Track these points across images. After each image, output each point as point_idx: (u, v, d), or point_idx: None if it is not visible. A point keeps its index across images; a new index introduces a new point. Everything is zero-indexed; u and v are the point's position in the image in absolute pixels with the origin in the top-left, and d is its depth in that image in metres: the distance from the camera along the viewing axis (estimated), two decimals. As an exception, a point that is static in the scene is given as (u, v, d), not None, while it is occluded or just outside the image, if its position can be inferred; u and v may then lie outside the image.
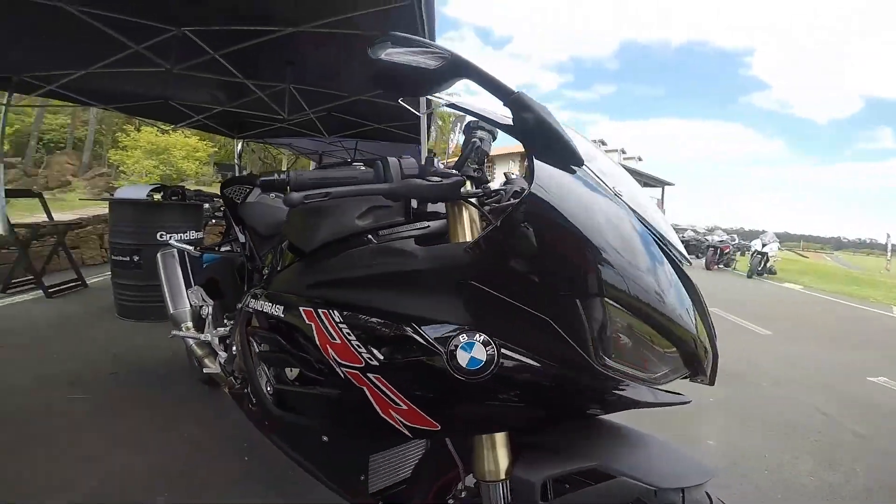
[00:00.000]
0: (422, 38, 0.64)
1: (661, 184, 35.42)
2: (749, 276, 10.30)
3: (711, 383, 0.71)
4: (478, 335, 0.63)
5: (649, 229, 0.70)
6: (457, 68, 0.63)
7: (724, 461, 1.90)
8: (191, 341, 1.75)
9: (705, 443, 2.07)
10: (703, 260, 11.58)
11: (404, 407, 0.69)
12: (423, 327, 0.66)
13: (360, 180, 0.77)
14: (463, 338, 0.63)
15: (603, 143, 32.37)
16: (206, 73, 3.51)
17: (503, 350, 0.63)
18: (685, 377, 0.70)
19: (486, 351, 0.63)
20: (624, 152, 34.10)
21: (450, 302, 0.66)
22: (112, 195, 4.60)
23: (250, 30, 2.77)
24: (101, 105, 4.82)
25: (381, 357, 0.69)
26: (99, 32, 2.72)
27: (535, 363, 0.63)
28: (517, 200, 0.65)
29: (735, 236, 13.19)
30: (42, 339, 2.73)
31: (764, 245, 10.51)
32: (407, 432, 0.70)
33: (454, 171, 0.73)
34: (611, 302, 0.61)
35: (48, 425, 1.77)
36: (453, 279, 0.66)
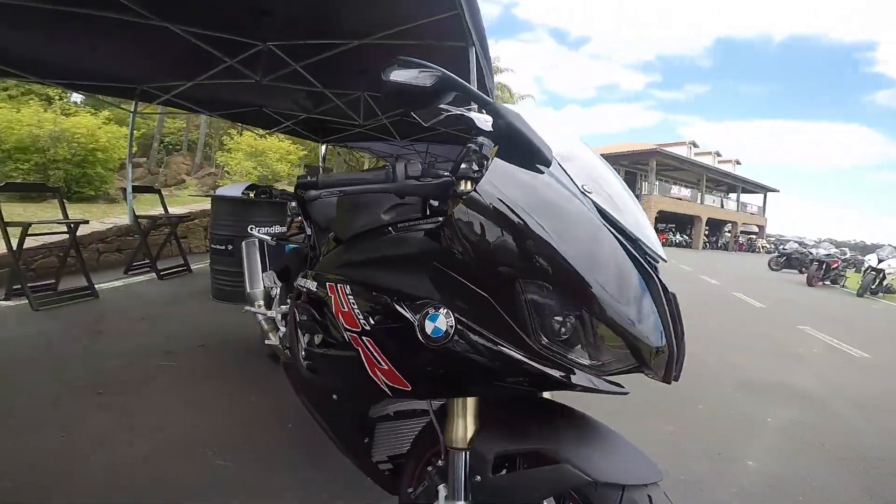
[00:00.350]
0: (421, 61, 0.74)
1: (762, 189, 31.74)
2: (859, 295, 8.95)
3: (668, 381, 0.71)
4: (442, 308, 0.72)
5: (615, 226, 0.73)
6: (446, 84, 0.73)
7: None
8: (259, 317, 2.00)
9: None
10: (806, 275, 10.25)
11: (385, 367, 0.79)
12: (403, 300, 0.77)
13: (371, 181, 0.90)
14: (430, 310, 0.72)
15: (695, 144, 29.83)
16: (290, 83, 3.90)
17: (458, 324, 0.70)
18: (634, 370, 0.71)
19: (447, 322, 0.71)
20: (719, 154, 31.13)
21: (424, 280, 0.76)
22: (214, 193, 5.27)
23: (324, 43, 3.04)
24: (207, 112, 5.55)
25: (373, 323, 0.81)
26: (200, 49, 3.16)
27: (481, 337, 0.70)
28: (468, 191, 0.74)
29: (846, 250, 11.50)
30: (150, 315, 3.22)
31: (881, 261, 9.08)
32: (387, 390, 0.80)
33: (446, 174, 0.83)
34: (549, 287, 0.65)
35: (142, 388, 2.12)
36: (428, 261, 0.76)
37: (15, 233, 3.24)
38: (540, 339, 0.67)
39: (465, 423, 0.80)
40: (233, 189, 3.96)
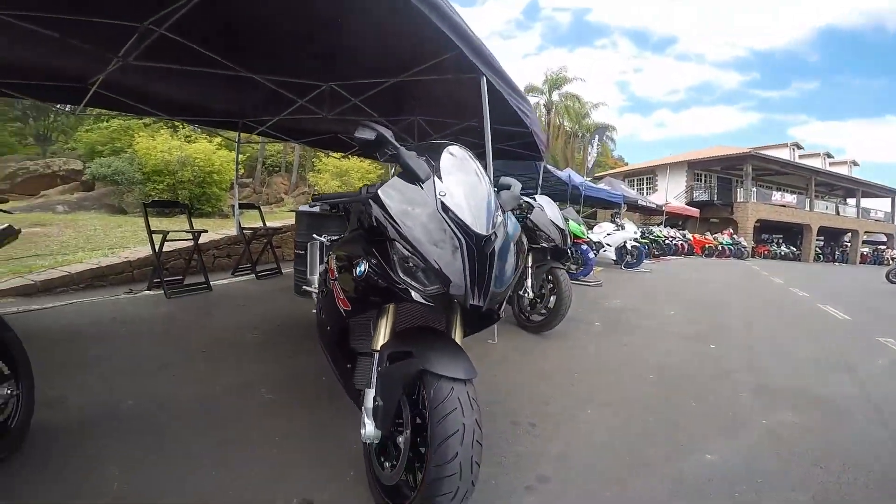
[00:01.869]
0: (370, 123, 1.38)
1: (889, 193, 27.09)
2: None
3: (465, 305, 1.25)
4: (363, 260, 1.30)
5: (449, 216, 1.29)
6: (380, 137, 1.36)
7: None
8: (313, 295, 2.67)
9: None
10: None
11: (342, 296, 1.40)
12: (349, 258, 1.38)
13: (350, 195, 1.52)
14: (358, 261, 1.31)
15: (798, 146, 26.56)
16: (353, 115, 4.71)
17: (369, 268, 1.28)
18: (444, 294, 1.25)
19: (363, 268, 1.28)
20: (829, 156, 27.32)
21: (357, 246, 1.37)
22: (298, 209, 6.30)
23: (370, 82, 3.76)
24: (294, 140, 6.68)
25: (339, 272, 1.42)
26: (279, 92, 4.08)
27: (376, 275, 1.27)
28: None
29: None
30: (248, 303, 4.16)
31: None
32: (342, 311, 1.42)
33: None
34: (402, 246, 1.17)
35: (234, 348, 2.92)
36: (360, 236, 1.37)
37: (156, 239, 4.36)
38: (398, 273, 1.22)
39: (378, 335, 1.36)
40: (310, 206, 4.84)
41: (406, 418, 1.28)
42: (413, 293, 1.24)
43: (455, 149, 1.53)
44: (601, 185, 15.48)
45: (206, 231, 5.13)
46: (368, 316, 1.50)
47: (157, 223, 6.44)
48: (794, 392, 2.90)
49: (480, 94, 3.37)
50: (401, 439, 1.29)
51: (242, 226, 5.85)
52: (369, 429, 1.25)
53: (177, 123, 12.58)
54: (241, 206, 6.56)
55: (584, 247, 7.19)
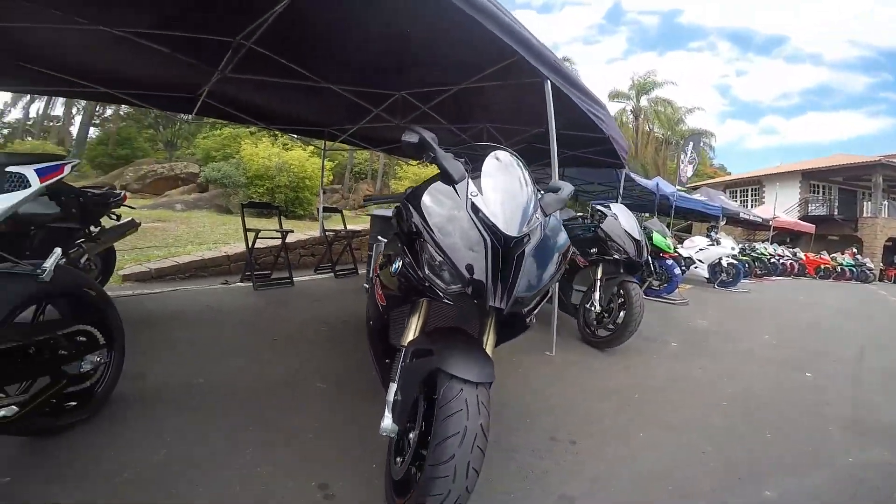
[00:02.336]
0: (415, 128, 1.44)
1: None
2: None
3: (483, 307, 1.24)
4: (398, 258, 1.35)
5: (480, 218, 1.29)
6: (423, 140, 1.41)
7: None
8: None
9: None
10: None
11: (380, 292, 1.47)
12: (391, 256, 1.45)
13: (397, 196, 1.62)
14: (393, 258, 1.40)
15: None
16: (423, 122, 4.85)
17: (403, 265, 1.32)
18: (464, 292, 1.24)
19: (397, 264, 1.34)
20: None
21: (399, 244, 1.41)
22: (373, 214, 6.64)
23: (438, 89, 3.85)
24: (374, 148, 7.06)
25: (381, 269, 1.56)
26: (357, 102, 4.34)
27: (406, 272, 1.30)
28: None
29: None
30: (323, 299, 4.47)
31: None
32: (381, 308, 1.48)
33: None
34: (430, 245, 1.21)
35: (302, 340, 3.15)
36: (401, 233, 1.41)
37: (250, 237, 4.84)
38: (424, 271, 1.24)
39: (408, 332, 1.36)
40: (384, 210, 5.07)
41: (419, 415, 1.28)
42: (437, 291, 1.25)
43: (502, 153, 1.54)
44: (696, 196, 14.16)
45: (292, 231, 5.60)
46: (405, 312, 1.52)
47: (255, 223, 7.17)
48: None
49: (568, 103, 3.29)
50: (412, 435, 1.29)
51: (326, 228, 6.29)
52: (387, 422, 1.26)
53: (276, 133, 14.04)
54: (326, 210, 7.04)
55: (670, 262, 6.62)
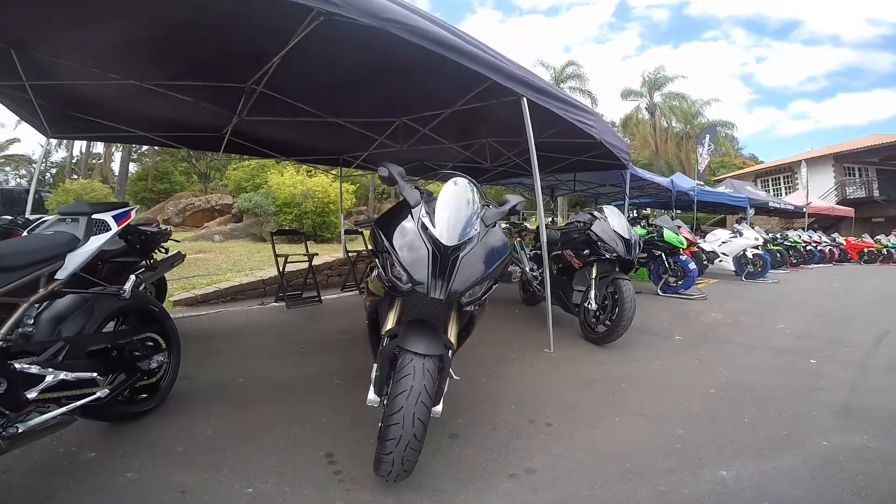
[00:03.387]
0: (387, 164, 1.89)
1: None
2: None
3: (428, 297, 1.59)
4: (376, 266, 1.77)
5: (426, 234, 1.65)
6: (390, 175, 1.87)
7: None
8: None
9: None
10: None
11: (367, 295, 1.99)
12: (372, 266, 1.86)
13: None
14: (374, 266, 1.80)
15: None
16: (423, 145, 5.27)
17: (377, 272, 1.73)
18: (414, 289, 1.59)
19: (374, 272, 1.79)
20: None
21: (376, 256, 1.78)
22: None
23: (432, 114, 4.25)
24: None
25: (369, 275, 1.95)
26: (361, 134, 4.81)
27: (382, 277, 1.68)
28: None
29: None
30: (347, 313, 4.89)
31: None
32: (368, 307, 1.94)
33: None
34: (392, 255, 1.56)
35: (326, 346, 3.55)
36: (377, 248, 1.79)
37: (280, 262, 5.35)
38: (388, 274, 1.61)
39: (386, 322, 1.74)
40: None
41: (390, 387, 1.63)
42: (398, 289, 1.64)
43: (459, 179, 1.98)
44: (721, 189, 13.88)
45: (317, 254, 6.09)
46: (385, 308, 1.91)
47: (285, 248, 7.71)
48: (890, 415, 2.48)
49: (551, 115, 3.62)
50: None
51: (349, 249, 6.75)
52: (371, 395, 1.62)
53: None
54: (347, 233, 7.55)
55: (684, 258, 6.68)
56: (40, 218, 3.00)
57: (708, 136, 12.47)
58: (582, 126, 4.27)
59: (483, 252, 1.77)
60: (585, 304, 3.97)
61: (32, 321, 1.84)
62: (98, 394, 1.83)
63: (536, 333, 3.78)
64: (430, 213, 1.78)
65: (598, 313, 3.89)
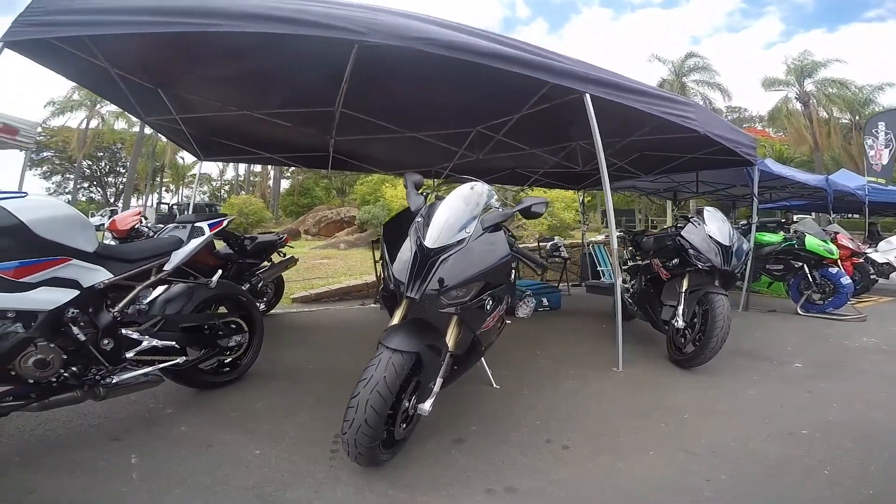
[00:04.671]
0: (410, 172, 2.23)
1: None
2: None
3: (412, 295, 1.65)
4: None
5: (419, 240, 1.73)
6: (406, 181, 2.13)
7: None
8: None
9: None
10: None
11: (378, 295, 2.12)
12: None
13: None
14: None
15: None
16: (503, 152, 5.25)
17: (384, 276, 1.85)
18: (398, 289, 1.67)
19: (383, 272, 1.86)
20: None
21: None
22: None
23: (502, 121, 4.23)
24: (478, 180, 7.66)
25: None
26: (442, 146, 5.01)
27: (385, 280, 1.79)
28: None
29: None
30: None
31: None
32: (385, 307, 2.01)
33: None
34: (385, 255, 1.71)
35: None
36: None
37: (379, 267, 5.89)
38: (385, 274, 1.73)
39: (392, 320, 1.87)
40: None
41: None
42: (387, 287, 1.79)
43: (474, 183, 2.08)
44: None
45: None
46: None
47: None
48: None
49: (634, 111, 3.39)
50: None
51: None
52: None
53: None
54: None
55: (834, 270, 5.39)
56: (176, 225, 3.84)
57: (883, 123, 9.71)
58: (676, 120, 3.80)
59: (470, 255, 1.76)
60: (671, 320, 3.50)
61: (147, 300, 2.42)
62: (178, 360, 2.31)
63: (614, 350, 3.42)
64: (428, 217, 1.84)
65: (686, 332, 3.40)
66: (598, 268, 7.84)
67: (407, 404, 1.81)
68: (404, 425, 1.85)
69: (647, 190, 9.20)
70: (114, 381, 2.01)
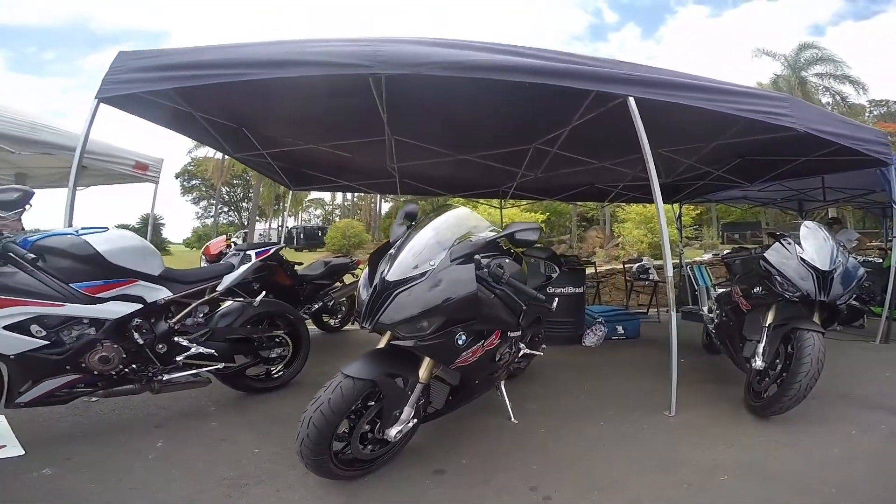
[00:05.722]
0: (410, 202, 2.19)
1: None
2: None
3: (367, 326, 1.74)
4: None
5: (383, 272, 1.78)
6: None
7: None
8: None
9: None
10: None
11: None
12: None
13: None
14: None
15: None
16: (564, 168, 5.00)
17: None
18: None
19: None
20: None
21: None
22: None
23: (557, 134, 4.04)
24: (548, 198, 7.45)
25: None
26: (500, 168, 5.04)
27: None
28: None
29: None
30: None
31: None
32: None
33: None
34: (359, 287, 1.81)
35: None
36: None
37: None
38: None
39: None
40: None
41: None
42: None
43: (455, 212, 2.09)
44: None
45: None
46: None
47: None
48: None
49: (704, 112, 3.06)
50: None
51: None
52: None
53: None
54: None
55: None
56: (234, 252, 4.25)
57: None
58: (759, 117, 3.25)
59: (427, 288, 1.74)
60: (752, 360, 2.93)
61: (203, 315, 2.85)
62: (219, 365, 2.66)
63: (680, 390, 2.91)
64: (399, 249, 1.87)
65: (768, 373, 2.82)
66: (696, 292, 6.90)
67: (367, 427, 1.83)
68: (369, 447, 1.87)
69: (761, 200, 7.89)
70: (165, 378, 2.42)
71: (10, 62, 79.68)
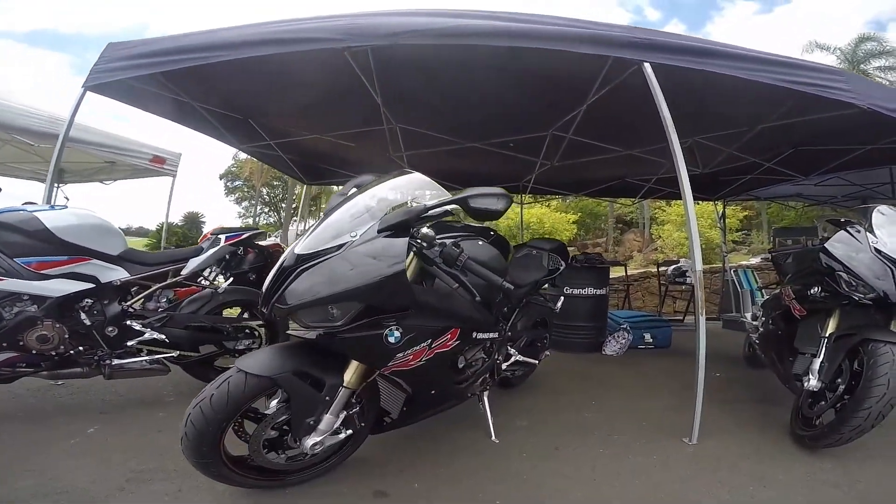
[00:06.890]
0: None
1: None
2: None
3: (263, 309, 1.45)
4: None
5: (315, 225, 1.52)
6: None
7: None
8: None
9: None
10: None
11: None
12: None
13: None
14: None
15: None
16: (585, 157, 4.55)
17: None
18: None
19: None
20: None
21: None
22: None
23: (573, 115, 3.65)
24: (575, 193, 6.91)
25: None
26: (519, 157, 4.71)
27: None
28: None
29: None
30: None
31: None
32: None
33: None
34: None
35: None
36: None
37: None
38: None
39: None
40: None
41: None
42: None
43: (409, 176, 1.62)
44: None
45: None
46: None
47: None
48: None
49: (758, 84, 2.53)
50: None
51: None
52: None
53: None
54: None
55: None
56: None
57: None
58: (812, 90, 2.65)
59: (339, 264, 1.37)
60: (805, 379, 2.38)
61: (167, 300, 2.67)
62: (173, 354, 2.46)
63: (708, 411, 2.35)
64: (325, 218, 1.53)
65: (825, 395, 2.28)
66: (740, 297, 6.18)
67: (273, 433, 1.53)
68: (282, 454, 1.57)
69: (818, 198, 6.96)
70: (116, 363, 2.26)
71: (74, 68, 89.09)
